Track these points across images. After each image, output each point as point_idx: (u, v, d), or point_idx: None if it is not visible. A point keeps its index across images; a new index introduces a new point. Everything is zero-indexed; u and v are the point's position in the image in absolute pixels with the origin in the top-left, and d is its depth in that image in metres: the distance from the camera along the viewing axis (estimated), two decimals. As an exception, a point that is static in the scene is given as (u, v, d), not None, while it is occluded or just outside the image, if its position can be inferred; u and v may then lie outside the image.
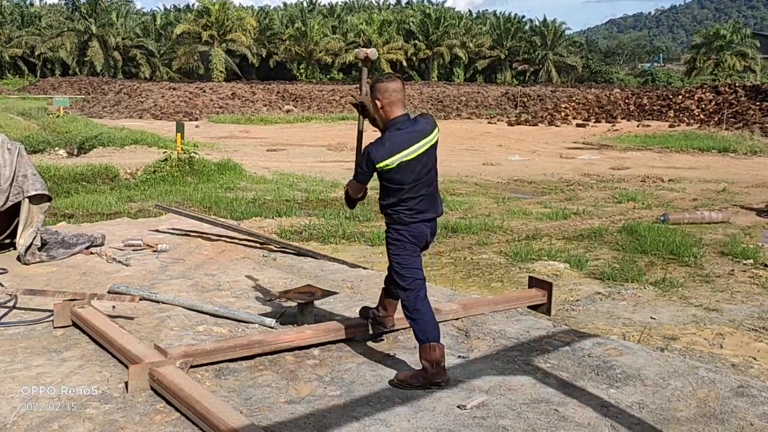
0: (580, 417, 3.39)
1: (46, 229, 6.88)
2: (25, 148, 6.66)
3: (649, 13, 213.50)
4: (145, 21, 74.90)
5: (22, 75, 66.70)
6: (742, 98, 32.02)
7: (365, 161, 3.66)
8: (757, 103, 30.67)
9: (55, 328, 4.51)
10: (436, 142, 3.74)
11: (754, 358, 4.78)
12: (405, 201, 3.67)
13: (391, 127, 3.67)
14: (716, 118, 30.08)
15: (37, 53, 65.98)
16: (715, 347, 4.99)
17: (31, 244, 6.21)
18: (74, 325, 4.52)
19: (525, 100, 47.63)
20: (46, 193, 6.46)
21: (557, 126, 32.27)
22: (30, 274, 5.88)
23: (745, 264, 7.65)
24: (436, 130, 3.76)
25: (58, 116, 28.31)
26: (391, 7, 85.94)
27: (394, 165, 3.59)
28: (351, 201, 3.99)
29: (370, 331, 4.38)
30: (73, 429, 3.20)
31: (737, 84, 35.83)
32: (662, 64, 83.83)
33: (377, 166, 3.60)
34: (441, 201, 3.92)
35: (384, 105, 3.67)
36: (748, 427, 3.33)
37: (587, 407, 3.50)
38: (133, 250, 6.77)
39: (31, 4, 74.66)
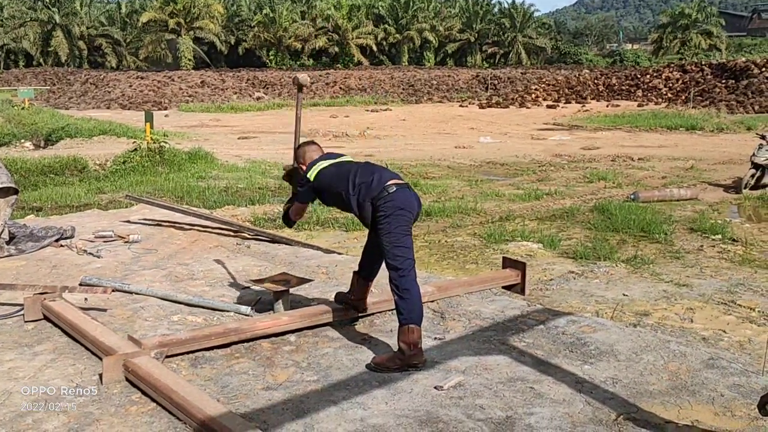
0: (555, 393, 3.44)
1: (14, 222, 6.76)
2: (-10, 141, 6.53)
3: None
4: (109, 9, 73.43)
5: (-15, 67, 65.25)
6: (709, 76, 32.44)
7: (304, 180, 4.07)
8: (723, 81, 31.09)
9: (26, 322, 4.45)
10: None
11: (724, 331, 4.87)
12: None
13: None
14: (683, 97, 30.44)
15: (-1, 44, 64.63)
16: (685, 321, 5.08)
17: (-1, 238, 6.11)
18: (45, 318, 4.46)
19: (495, 82, 47.66)
20: (13, 185, 6.34)
21: (528, 108, 32.39)
22: (-1, 268, 5.78)
23: (713, 239, 7.78)
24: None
25: (23, 108, 27.70)
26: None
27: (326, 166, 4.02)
28: (290, 221, 4.34)
29: (346, 316, 4.40)
30: (47, 423, 3.17)
31: (703, 62, 36.31)
32: (620, 44, 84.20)
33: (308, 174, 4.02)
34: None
35: (305, 161, 4.13)
36: (719, 397, 3.40)
37: (562, 384, 3.55)
38: (105, 242, 6.69)
39: (-8, -5, 72.90)
